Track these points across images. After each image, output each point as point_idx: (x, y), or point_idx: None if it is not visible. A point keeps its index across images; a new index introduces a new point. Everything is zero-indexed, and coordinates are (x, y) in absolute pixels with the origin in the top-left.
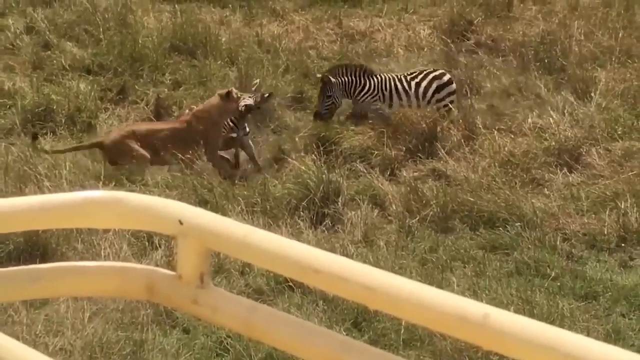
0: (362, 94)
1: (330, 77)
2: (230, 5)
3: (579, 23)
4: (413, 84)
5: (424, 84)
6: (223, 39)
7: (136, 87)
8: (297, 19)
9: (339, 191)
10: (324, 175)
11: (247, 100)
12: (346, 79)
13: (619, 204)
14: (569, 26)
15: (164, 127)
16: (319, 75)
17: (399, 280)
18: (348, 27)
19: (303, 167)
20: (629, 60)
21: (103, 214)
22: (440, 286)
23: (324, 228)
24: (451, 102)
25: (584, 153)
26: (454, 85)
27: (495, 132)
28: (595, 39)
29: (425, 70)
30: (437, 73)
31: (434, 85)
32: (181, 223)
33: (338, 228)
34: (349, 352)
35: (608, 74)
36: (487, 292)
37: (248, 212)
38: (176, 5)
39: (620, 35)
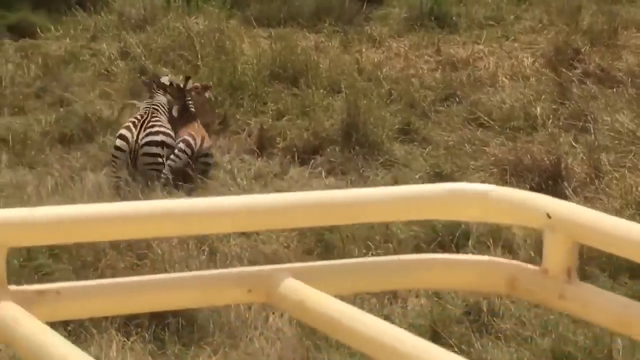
0: None
1: None
2: (325, 31)
3: None
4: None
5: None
6: (322, 67)
7: (237, 116)
8: (394, 46)
9: (468, 234)
10: None
11: None
12: None
13: None
14: None
15: None
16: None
17: None
18: (447, 54)
19: None
20: None
21: (467, 206)
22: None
23: None
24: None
25: None
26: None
27: (625, 170)
28: None
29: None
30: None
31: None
32: (549, 216)
33: None
34: None
35: None
36: None
37: (367, 254)
38: (271, 31)
39: None
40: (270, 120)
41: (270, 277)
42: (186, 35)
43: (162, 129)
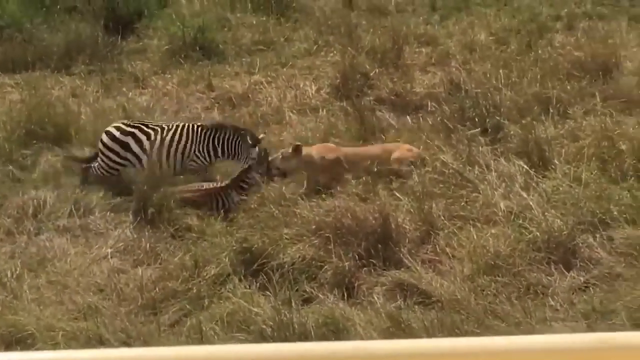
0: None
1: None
2: (80, 73)
3: (484, 67)
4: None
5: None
6: (85, 118)
7: None
8: (160, 84)
9: (305, 336)
10: (284, 318)
11: None
12: None
13: None
14: (475, 71)
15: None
16: None
17: None
18: (222, 89)
19: (255, 309)
20: (568, 111)
21: None
22: None
23: None
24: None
25: (580, 244)
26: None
27: (466, 223)
28: (516, 86)
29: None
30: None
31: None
32: None
33: None
34: None
35: (548, 129)
36: None
37: None
38: (18, 77)
39: (538, 78)
40: (34, 190)
41: None
42: None
43: None
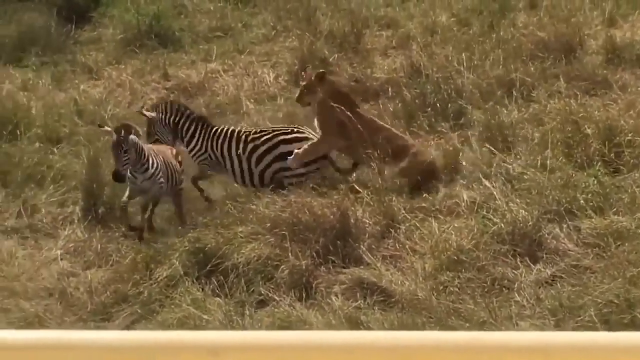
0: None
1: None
2: (32, 65)
3: (446, 50)
4: (250, 146)
5: (263, 148)
6: (35, 112)
7: None
8: (114, 74)
9: None
10: (235, 326)
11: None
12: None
13: None
14: (437, 54)
15: None
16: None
17: None
18: (178, 79)
19: (206, 317)
20: (532, 94)
21: None
22: None
23: None
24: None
25: (546, 235)
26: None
27: (427, 215)
28: (478, 69)
29: (276, 129)
30: (287, 133)
31: (278, 150)
32: None
33: None
34: None
35: (512, 114)
36: None
37: None
38: None
39: (501, 60)
40: None
41: None
42: None
43: None
